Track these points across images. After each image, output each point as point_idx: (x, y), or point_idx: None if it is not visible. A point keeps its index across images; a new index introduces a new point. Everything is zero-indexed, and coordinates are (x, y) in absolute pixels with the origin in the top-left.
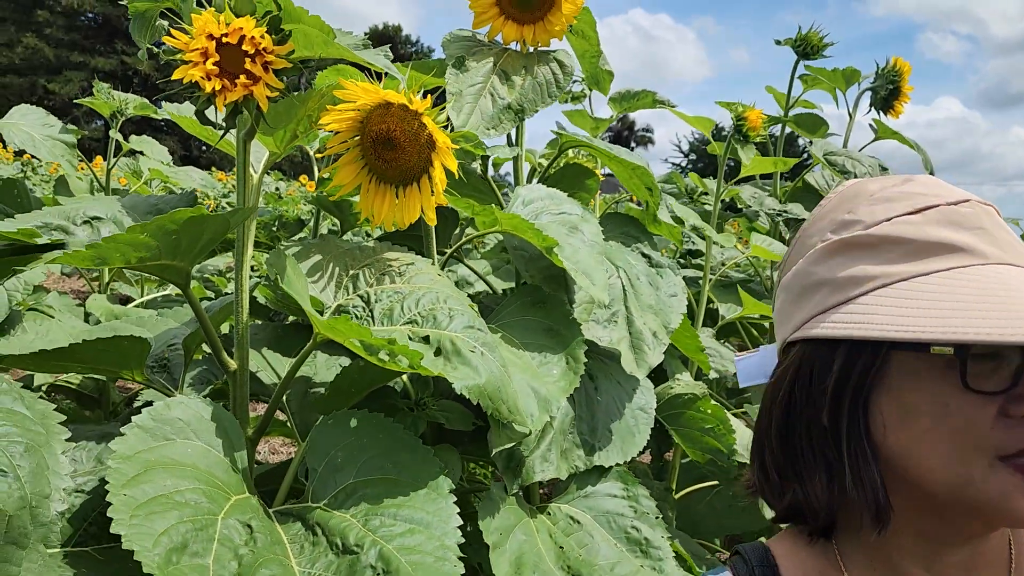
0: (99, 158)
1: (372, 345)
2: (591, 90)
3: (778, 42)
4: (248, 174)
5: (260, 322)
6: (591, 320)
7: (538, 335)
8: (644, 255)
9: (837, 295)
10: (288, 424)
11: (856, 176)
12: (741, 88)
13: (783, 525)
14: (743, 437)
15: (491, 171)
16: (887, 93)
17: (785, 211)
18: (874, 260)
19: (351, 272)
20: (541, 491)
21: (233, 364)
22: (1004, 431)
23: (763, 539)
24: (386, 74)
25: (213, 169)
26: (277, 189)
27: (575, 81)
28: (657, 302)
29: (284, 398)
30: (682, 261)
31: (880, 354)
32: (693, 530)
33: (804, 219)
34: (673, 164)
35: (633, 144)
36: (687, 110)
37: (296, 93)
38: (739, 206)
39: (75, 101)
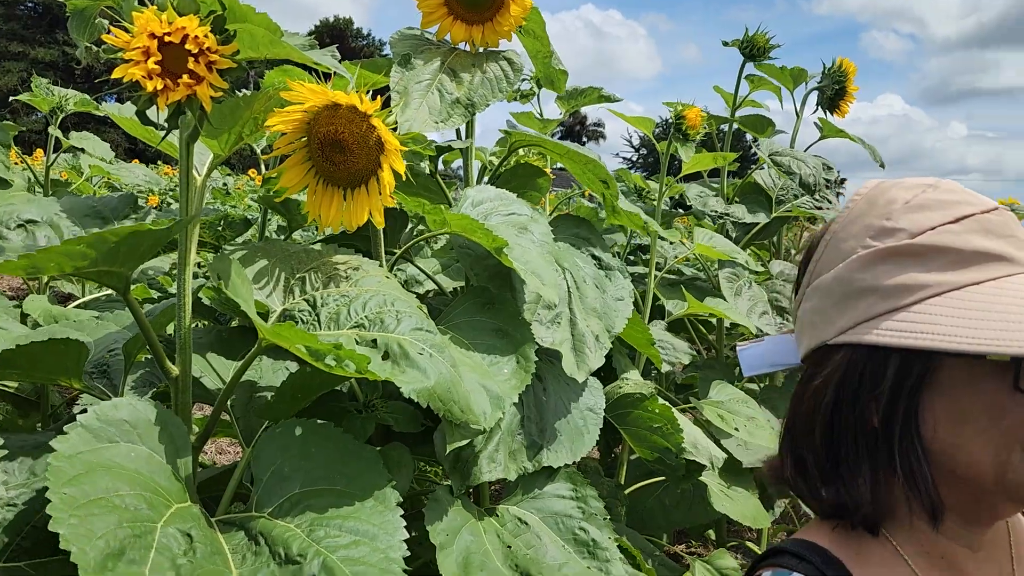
0: (39, 151)
1: (318, 351)
2: (540, 89)
3: (725, 43)
4: (192, 177)
5: (205, 323)
6: (535, 320)
7: (488, 336)
8: (594, 257)
9: (886, 303)
10: (234, 426)
11: (800, 176)
12: (692, 84)
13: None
14: (690, 434)
15: (441, 167)
16: (833, 93)
17: (727, 214)
18: (921, 269)
19: (297, 275)
20: (492, 488)
21: (175, 370)
22: None
23: (778, 537)
24: (334, 73)
25: (159, 163)
26: (224, 184)
27: (524, 79)
28: (602, 305)
29: (228, 403)
30: (632, 257)
31: (935, 360)
32: (641, 526)
33: (747, 221)
34: (624, 159)
35: (585, 139)
36: (639, 106)
37: (242, 93)
38: (688, 203)
39: (12, 99)
